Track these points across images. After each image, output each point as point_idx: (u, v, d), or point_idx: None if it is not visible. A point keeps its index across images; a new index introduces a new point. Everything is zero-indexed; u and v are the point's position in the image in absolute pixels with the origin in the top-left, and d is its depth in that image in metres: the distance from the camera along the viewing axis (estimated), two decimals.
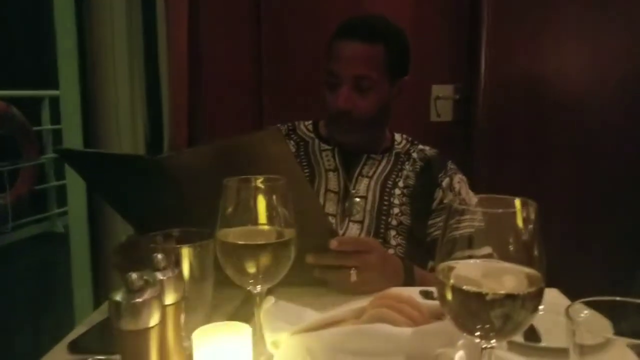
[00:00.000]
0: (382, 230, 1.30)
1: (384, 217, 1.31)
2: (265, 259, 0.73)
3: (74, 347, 0.83)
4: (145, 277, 0.62)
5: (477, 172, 2.03)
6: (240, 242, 0.72)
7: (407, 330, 0.65)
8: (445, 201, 1.34)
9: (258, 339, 0.74)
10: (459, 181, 1.37)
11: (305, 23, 2.16)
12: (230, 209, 0.74)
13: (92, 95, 2.07)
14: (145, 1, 2.06)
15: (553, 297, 0.92)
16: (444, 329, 0.65)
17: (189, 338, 0.72)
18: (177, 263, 0.76)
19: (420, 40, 1.88)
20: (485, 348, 0.58)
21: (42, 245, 3.49)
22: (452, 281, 0.57)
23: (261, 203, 0.74)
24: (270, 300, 0.77)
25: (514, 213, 0.56)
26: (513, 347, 0.73)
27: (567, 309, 0.55)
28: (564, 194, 2.11)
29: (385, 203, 1.32)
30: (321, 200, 1.33)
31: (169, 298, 0.66)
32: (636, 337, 0.50)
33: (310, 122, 1.49)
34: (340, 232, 1.29)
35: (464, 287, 0.55)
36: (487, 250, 0.58)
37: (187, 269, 0.78)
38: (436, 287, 0.59)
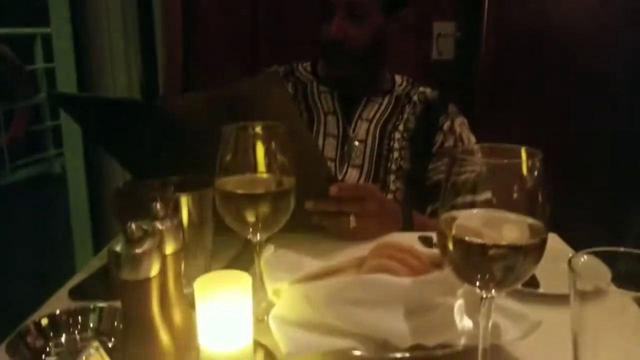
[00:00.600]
0: (381, 175, 1.29)
1: (383, 162, 1.30)
2: (264, 209, 0.72)
3: (75, 294, 0.84)
4: (144, 227, 0.61)
5: (479, 112, 2.01)
6: (239, 192, 0.71)
7: (407, 280, 0.65)
8: (445, 145, 1.33)
9: (258, 286, 0.75)
10: (460, 124, 1.35)
11: None
12: (228, 157, 0.73)
13: (84, 37, 2.02)
14: None
15: (552, 242, 0.92)
16: (444, 278, 0.65)
17: (189, 286, 0.72)
18: (176, 211, 0.75)
19: None
20: (486, 298, 0.59)
21: (40, 187, 3.49)
22: (454, 232, 0.56)
23: (260, 151, 0.73)
24: (270, 249, 0.77)
25: (519, 163, 0.55)
26: (511, 293, 0.73)
27: (569, 260, 0.55)
28: (564, 137, 2.10)
29: (385, 147, 1.31)
30: (320, 145, 1.32)
31: (169, 247, 0.66)
32: (635, 286, 0.50)
33: (308, 63, 1.45)
34: (339, 176, 1.28)
35: (466, 238, 0.55)
36: (487, 195, 0.57)
37: (186, 217, 0.77)
38: (438, 237, 0.58)
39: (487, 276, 0.56)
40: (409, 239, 0.96)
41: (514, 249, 0.54)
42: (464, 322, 0.64)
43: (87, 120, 0.99)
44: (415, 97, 1.39)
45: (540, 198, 0.55)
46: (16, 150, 3.86)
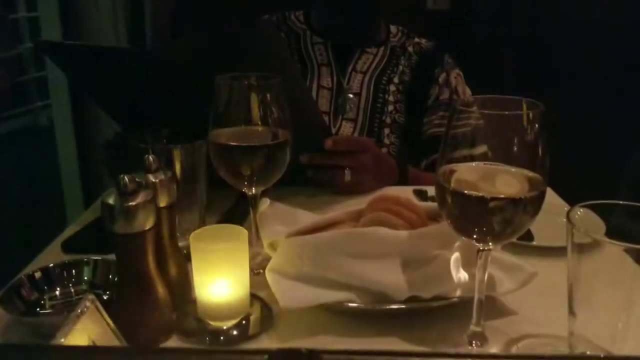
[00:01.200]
0: (375, 129, 1.28)
1: (377, 115, 1.28)
2: (259, 162, 0.71)
3: (67, 247, 0.83)
4: (137, 180, 0.60)
5: (474, 64, 1.98)
6: (233, 144, 0.70)
7: (403, 233, 0.65)
8: (441, 98, 1.31)
9: (254, 240, 0.75)
10: (456, 76, 1.33)
11: None
12: (222, 109, 0.71)
13: None
14: None
15: (546, 197, 0.92)
16: (441, 231, 0.65)
17: (184, 239, 0.72)
18: (169, 164, 0.74)
19: None
20: (482, 250, 0.59)
21: (26, 140, 3.44)
22: (452, 185, 0.56)
23: (254, 102, 0.71)
24: (266, 202, 0.76)
25: (520, 115, 0.54)
26: (505, 245, 0.73)
27: (567, 212, 0.55)
28: (562, 90, 2.08)
29: (380, 100, 1.29)
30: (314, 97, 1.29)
31: (163, 200, 0.65)
32: (629, 238, 0.50)
33: (301, 12, 1.41)
34: (333, 130, 1.27)
35: (465, 191, 0.54)
36: (482, 149, 0.56)
37: (180, 170, 0.76)
38: (436, 190, 0.58)
39: (485, 229, 0.56)
40: (404, 192, 0.95)
41: (513, 202, 0.54)
42: (460, 274, 0.65)
43: (75, 69, 0.96)
44: (410, 49, 1.36)
45: (540, 151, 0.55)
46: (1, 102, 3.79)
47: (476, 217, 0.55)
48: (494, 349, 0.62)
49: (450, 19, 2.13)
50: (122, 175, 0.58)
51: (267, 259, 0.71)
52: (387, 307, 0.64)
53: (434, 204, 0.67)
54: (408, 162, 1.17)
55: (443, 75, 1.32)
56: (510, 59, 2.11)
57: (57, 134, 2.61)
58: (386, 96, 1.29)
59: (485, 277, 0.60)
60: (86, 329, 0.54)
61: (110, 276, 0.71)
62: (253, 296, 0.68)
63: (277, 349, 0.33)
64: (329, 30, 1.34)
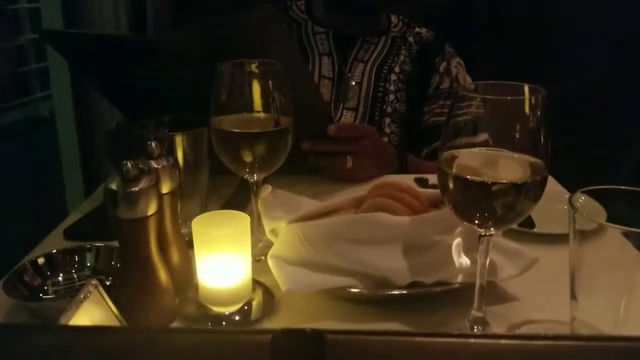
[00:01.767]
0: (376, 117, 1.28)
1: (378, 104, 1.28)
2: (261, 148, 0.71)
3: (70, 234, 0.83)
4: (140, 166, 0.60)
5: (474, 53, 1.97)
6: (235, 131, 0.70)
7: (405, 219, 0.65)
8: (441, 87, 1.31)
9: (255, 226, 0.75)
10: (456, 65, 1.33)
11: None
12: (224, 95, 0.71)
13: None
14: None
15: (547, 184, 0.93)
16: (442, 217, 0.65)
17: (186, 225, 0.72)
18: (172, 151, 0.74)
19: None
20: (484, 236, 0.59)
21: (27, 131, 3.44)
22: (454, 170, 0.56)
23: (256, 89, 0.71)
24: (267, 189, 0.76)
25: (522, 100, 0.54)
26: (507, 233, 0.74)
27: (569, 198, 0.55)
28: (562, 79, 2.07)
29: (381, 89, 1.29)
30: None
31: (165, 187, 0.65)
32: (630, 223, 0.50)
33: (302, 2, 1.41)
34: (335, 119, 1.27)
35: (467, 176, 0.55)
36: (484, 137, 0.56)
37: (182, 157, 0.77)
38: (438, 176, 0.58)
39: (487, 214, 0.56)
40: (405, 180, 0.95)
41: (515, 187, 0.54)
42: (462, 260, 0.65)
43: (77, 57, 0.96)
44: (411, 38, 1.36)
45: (542, 136, 0.55)
46: (1, 93, 3.78)
47: (478, 203, 0.56)
48: None
49: (449, 8, 2.11)
50: (125, 161, 0.58)
51: (269, 245, 0.71)
52: (389, 292, 0.64)
53: (436, 191, 0.67)
54: (409, 150, 1.17)
55: (444, 64, 1.32)
56: (510, 48, 2.10)
57: (58, 124, 2.60)
58: (387, 85, 1.29)
59: (487, 263, 0.60)
60: (89, 314, 0.54)
61: (113, 262, 0.72)
62: (255, 282, 0.68)
63: (281, 329, 0.34)
64: (330, 20, 1.34)
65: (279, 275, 0.65)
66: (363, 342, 0.33)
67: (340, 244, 0.65)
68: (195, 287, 0.67)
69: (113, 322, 0.58)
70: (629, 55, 2.07)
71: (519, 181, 0.54)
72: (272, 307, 0.66)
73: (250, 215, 0.68)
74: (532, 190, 0.55)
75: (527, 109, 0.54)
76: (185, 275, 0.70)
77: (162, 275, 0.64)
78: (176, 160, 0.67)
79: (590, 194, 0.57)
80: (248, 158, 0.71)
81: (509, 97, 0.54)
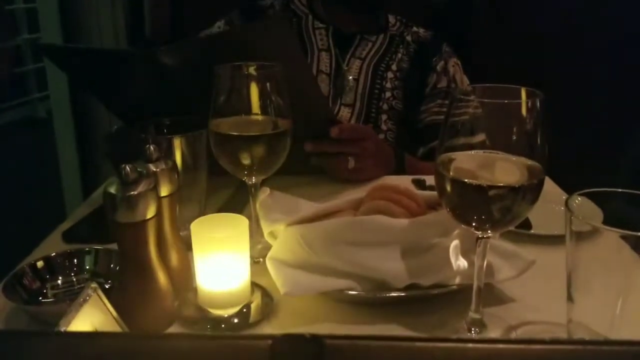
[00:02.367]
0: (373, 114, 1.28)
1: (375, 101, 1.29)
2: (259, 151, 0.71)
3: (68, 237, 0.84)
4: (139, 169, 0.60)
5: (472, 55, 1.97)
6: (233, 133, 0.70)
7: (403, 221, 0.65)
8: (438, 86, 1.31)
9: (254, 228, 0.75)
10: (454, 65, 1.34)
11: None
12: (222, 98, 0.71)
13: None
14: None
15: (544, 186, 0.93)
16: (440, 219, 0.65)
17: (185, 228, 0.72)
18: (170, 153, 0.75)
19: None
20: (481, 238, 0.59)
21: (25, 131, 3.44)
22: (451, 173, 0.56)
23: (255, 91, 0.72)
24: (266, 191, 0.76)
25: (520, 103, 0.55)
26: (504, 234, 0.74)
27: (566, 200, 0.55)
28: (560, 81, 2.08)
29: (377, 86, 1.30)
30: None
31: (164, 189, 0.66)
32: (627, 225, 0.51)
33: None
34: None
35: (464, 179, 0.55)
36: (481, 137, 0.56)
37: (180, 159, 0.77)
38: (436, 178, 0.58)
39: (484, 217, 0.56)
40: (403, 181, 0.96)
41: (512, 190, 0.54)
42: (459, 262, 0.65)
43: (75, 71, 0.96)
44: (408, 37, 1.37)
45: (539, 139, 0.55)
46: None
47: (475, 205, 0.56)
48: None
49: (448, 10, 2.12)
50: (123, 165, 0.58)
51: (268, 248, 0.71)
52: (387, 294, 0.64)
53: (433, 193, 0.67)
54: (405, 149, 1.18)
55: (441, 64, 1.33)
56: (508, 51, 2.10)
57: (56, 125, 2.60)
58: (384, 83, 1.30)
59: (484, 265, 0.60)
60: (89, 317, 0.55)
61: (112, 265, 0.72)
62: (254, 284, 0.69)
63: (281, 334, 0.34)
64: (329, 16, 1.34)
65: (277, 277, 0.65)
66: (362, 347, 0.33)
67: (338, 246, 0.65)
68: (194, 289, 0.67)
69: (112, 325, 0.58)
70: (628, 58, 2.07)
71: (516, 184, 0.54)
72: (270, 309, 0.67)
73: (249, 217, 0.68)
74: (529, 193, 0.55)
75: (524, 112, 0.55)
76: (184, 278, 0.70)
77: (161, 278, 0.64)
78: (175, 163, 0.67)
79: (586, 196, 0.58)
80: (246, 160, 0.71)
81: (506, 101, 0.54)
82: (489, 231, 0.58)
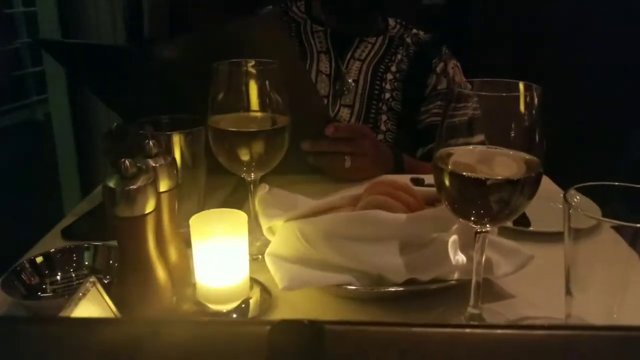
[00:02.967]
0: (372, 115, 1.29)
1: (374, 102, 1.29)
2: (258, 147, 0.71)
3: (67, 234, 0.84)
4: (138, 165, 0.60)
5: (470, 59, 1.98)
6: (232, 129, 0.71)
7: (402, 216, 0.65)
8: (438, 87, 1.32)
9: (253, 225, 0.75)
10: (453, 67, 1.34)
11: None
12: (221, 95, 0.72)
13: None
14: None
15: (543, 183, 0.93)
16: (439, 214, 0.66)
17: (184, 225, 0.72)
18: (169, 150, 0.75)
19: None
20: (479, 232, 0.59)
21: (23, 134, 3.44)
22: (450, 167, 0.56)
23: (253, 88, 0.72)
24: (265, 188, 0.76)
25: (517, 96, 0.55)
26: (503, 231, 0.74)
27: (564, 195, 0.56)
28: (557, 81, 2.08)
29: (377, 88, 1.30)
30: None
31: (163, 185, 0.66)
32: (625, 219, 0.51)
33: (302, 2, 1.42)
34: (332, 115, 1.28)
35: (463, 173, 0.55)
36: (480, 137, 0.57)
37: (179, 156, 0.77)
38: (434, 173, 0.58)
39: (482, 211, 0.57)
40: (401, 179, 0.96)
41: (510, 183, 0.55)
42: (458, 257, 0.65)
43: (74, 66, 0.96)
44: (408, 39, 1.37)
45: (537, 133, 0.55)
46: None
47: (473, 199, 0.56)
48: None
49: (445, 14, 2.13)
50: (123, 159, 0.58)
51: (266, 244, 0.71)
52: (386, 289, 0.64)
53: (432, 189, 0.67)
54: (404, 151, 1.18)
55: (441, 65, 1.33)
56: (505, 55, 2.11)
57: (55, 127, 2.60)
58: (383, 84, 1.30)
59: (483, 260, 0.60)
60: (87, 311, 0.55)
61: (111, 261, 0.72)
62: (252, 280, 0.69)
63: (279, 320, 0.34)
64: (329, 18, 1.35)
65: (276, 272, 0.65)
66: (361, 332, 0.33)
67: (337, 241, 0.65)
68: (193, 285, 0.67)
69: None
70: (626, 57, 2.08)
71: (514, 177, 0.55)
72: (269, 304, 0.67)
73: (247, 214, 0.68)
74: (527, 186, 0.55)
75: (521, 105, 0.55)
76: (183, 274, 0.70)
77: (160, 273, 0.64)
78: (174, 159, 0.67)
79: (584, 190, 0.58)
80: (245, 157, 0.72)
81: (503, 94, 0.55)
82: (488, 225, 0.58)
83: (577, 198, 0.57)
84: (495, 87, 0.56)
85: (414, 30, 1.40)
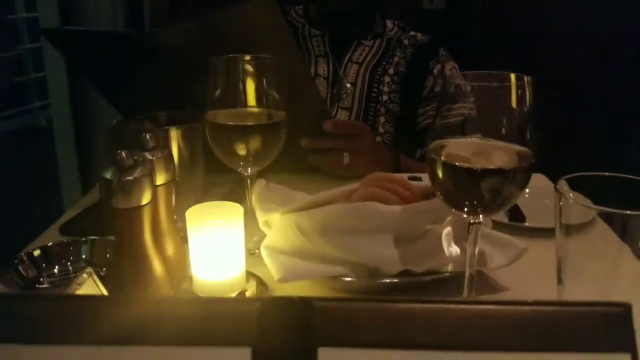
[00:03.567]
0: (370, 117, 1.29)
1: (372, 105, 1.30)
2: (255, 141, 0.72)
3: (66, 229, 0.84)
4: (135, 157, 0.61)
5: (469, 63, 1.99)
6: (229, 124, 0.71)
7: (396, 208, 0.66)
8: (436, 89, 1.33)
9: (250, 220, 0.76)
10: (451, 68, 1.35)
11: None
12: (218, 90, 0.72)
13: None
14: None
15: (539, 181, 0.94)
16: (433, 206, 0.66)
17: (181, 221, 0.73)
18: (166, 145, 0.75)
19: None
20: (473, 224, 0.60)
21: (25, 139, 3.45)
22: (443, 158, 0.57)
23: (250, 83, 0.73)
24: (262, 183, 0.77)
25: (509, 87, 0.55)
26: (498, 227, 0.75)
27: (555, 185, 0.56)
28: (555, 88, 2.09)
29: (375, 90, 1.31)
30: None
31: (160, 178, 0.66)
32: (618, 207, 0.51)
33: (300, 7, 1.43)
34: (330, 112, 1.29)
35: (455, 163, 0.56)
36: (476, 137, 0.57)
37: (177, 152, 0.78)
38: (427, 164, 0.59)
39: (475, 201, 0.57)
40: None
41: (502, 173, 0.55)
42: (452, 249, 0.66)
43: (76, 54, 0.97)
44: (406, 41, 1.38)
45: (529, 124, 0.56)
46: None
47: (466, 189, 0.57)
48: None
49: (446, 18, 2.14)
50: (119, 151, 0.59)
51: (263, 239, 0.72)
52: (380, 281, 0.65)
53: (427, 184, 0.68)
54: (403, 152, 1.18)
55: (438, 67, 1.34)
56: (505, 59, 2.12)
57: (56, 133, 2.62)
58: (381, 87, 1.31)
59: (476, 252, 0.61)
60: None
61: (108, 255, 0.72)
62: (249, 273, 0.69)
63: (270, 296, 0.34)
64: (327, 21, 1.36)
65: (272, 264, 0.65)
66: (350, 307, 0.34)
67: (332, 233, 0.65)
68: (190, 278, 0.68)
69: None
70: (623, 59, 2.09)
71: (506, 167, 0.55)
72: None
73: (245, 210, 0.68)
74: (518, 176, 0.56)
75: (513, 96, 0.55)
76: (179, 268, 0.71)
77: (157, 265, 0.64)
78: (171, 152, 0.68)
79: (575, 181, 0.58)
80: (242, 151, 0.72)
81: (495, 84, 0.55)
82: (481, 216, 0.59)
83: (567, 188, 0.58)
84: (488, 79, 0.57)
85: (412, 33, 1.41)
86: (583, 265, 0.57)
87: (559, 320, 0.33)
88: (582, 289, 0.57)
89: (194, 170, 0.82)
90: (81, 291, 0.55)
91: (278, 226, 0.69)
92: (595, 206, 0.52)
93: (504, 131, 0.56)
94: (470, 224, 0.60)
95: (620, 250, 0.53)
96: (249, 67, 0.72)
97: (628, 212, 0.50)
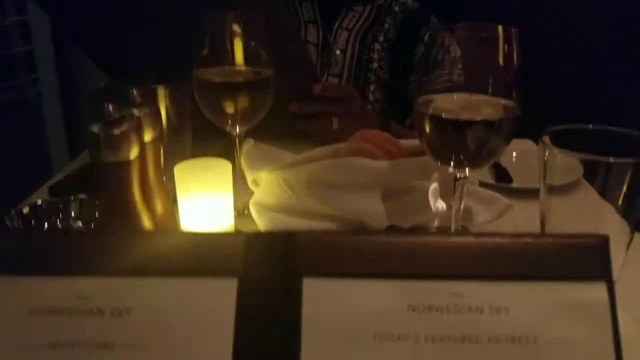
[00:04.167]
0: (360, 85, 1.29)
1: (362, 72, 1.30)
2: (243, 99, 0.72)
3: (55, 191, 0.84)
4: (122, 113, 0.61)
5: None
6: (217, 81, 0.71)
7: (383, 163, 0.66)
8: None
9: (239, 180, 0.76)
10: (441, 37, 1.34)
11: None
12: (206, 48, 0.72)
13: None
14: None
15: (526, 145, 0.95)
16: (420, 163, 0.66)
17: (170, 182, 0.73)
18: (154, 102, 0.75)
19: None
20: (459, 179, 0.60)
21: (13, 114, 3.43)
22: (430, 111, 0.57)
23: (238, 41, 0.72)
24: (250, 142, 0.77)
25: (496, 38, 0.56)
26: (484, 187, 0.75)
27: (541, 137, 0.56)
28: (554, 56, 2.08)
29: (365, 57, 1.30)
30: None
31: (148, 135, 0.66)
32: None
33: None
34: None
35: (442, 115, 0.56)
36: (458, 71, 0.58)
37: (164, 110, 0.77)
38: (414, 117, 0.59)
39: (462, 154, 0.58)
40: None
41: (487, 124, 0.56)
42: (438, 204, 0.66)
43: (64, 15, 0.96)
44: (396, 8, 1.37)
45: (515, 76, 0.56)
46: None
47: (452, 141, 0.57)
48: None
49: None
50: (106, 104, 0.59)
51: (251, 196, 0.72)
52: None
53: (415, 141, 0.68)
54: (392, 120, 1.18)
55: (428, 34, 1.33)
56: (497, 23, 2.11)
57: (45, 107, 2.60)
58: (371, 54, 1.31)
59: (462, 208, 0.61)
60: None
61: (97, 214, 0.72)
62: (237, 230, 0.69)
63: (254, 231, 0.35)
64: None
65: (260, 220, 0.66)
66: (332, 240, 0.34)
67: (319, 189, 0.66)
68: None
69: None
70: (625, 52, 2.09)
71: (491, 118, 0.56)
72: None
73: (234, 170, 0.69)
74: (503, 127, 0.56)
75: (500, 48, 0.56)
76: (167, 224, 0.71)
77: (146, 222, 0.65)
78: (158, 109, 0.68)
79: (560, 135, 0.59)
80: (230, 109, 0.72)
81: (482, 35, 0.56)
82: (467, 169, 0.59)
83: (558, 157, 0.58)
84: (475, 31, 0.57)
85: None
86: (566, 221, 0.58)
87: (539, 250, 0.33)
88: None
89: (182, 131, 0.81)
90: None
91: (266, 183, 0.69)
92: (578, 154, 0.52)
93: (490, 83, 0.57)
94: (456, 179, 0.60)
95: (603, 208, 0.54)
96: (237, 25, 0.72)
97: (611, 159, 0.50)
